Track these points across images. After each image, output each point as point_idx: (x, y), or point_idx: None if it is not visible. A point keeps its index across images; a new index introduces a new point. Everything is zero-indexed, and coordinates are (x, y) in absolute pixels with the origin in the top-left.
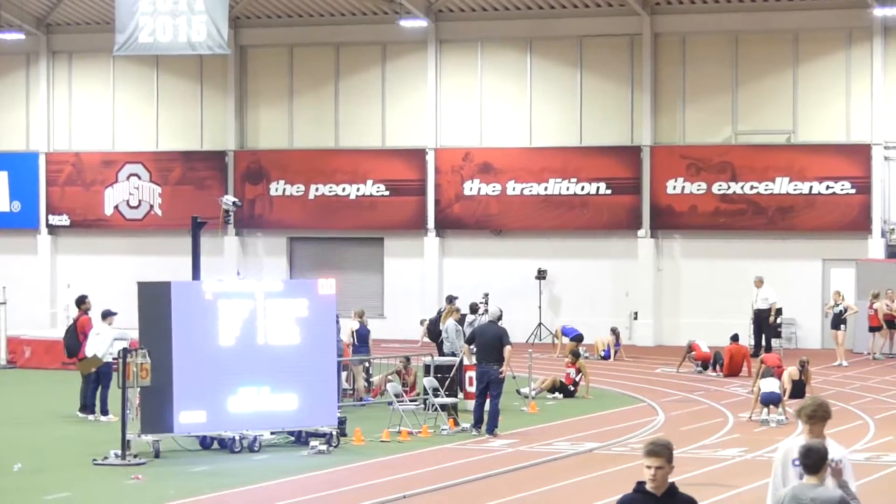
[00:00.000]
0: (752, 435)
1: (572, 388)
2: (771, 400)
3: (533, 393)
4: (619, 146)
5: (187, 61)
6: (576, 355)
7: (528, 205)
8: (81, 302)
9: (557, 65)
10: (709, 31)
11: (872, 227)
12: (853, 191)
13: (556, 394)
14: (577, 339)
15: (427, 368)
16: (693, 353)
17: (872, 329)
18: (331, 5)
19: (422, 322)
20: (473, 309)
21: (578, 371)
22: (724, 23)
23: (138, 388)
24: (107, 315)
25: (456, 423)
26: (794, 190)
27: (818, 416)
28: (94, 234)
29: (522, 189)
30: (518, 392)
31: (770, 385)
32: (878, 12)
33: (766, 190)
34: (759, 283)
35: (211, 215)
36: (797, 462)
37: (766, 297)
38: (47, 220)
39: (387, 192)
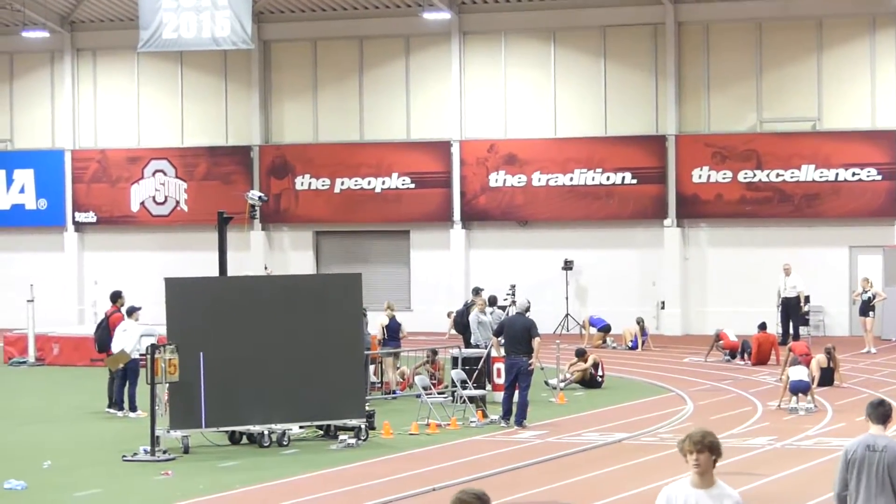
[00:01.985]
0: (782, 423)
1: (599, 379)
2: (800, 388)
3: (562, 385)
4: (644, 135)
5: (211, 57)
6: (580, 355)
7: (553, 195)
8: (117, 297)
9: (581, 55)
10: (732, 18)
11: None
12: (879, 177)
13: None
14: (605, 329)
15: (455, 361)
16: (721, 341)
17: None
18: None
19: (449, 315)
20: (492, 301)
21: (596, 365)
22: (747, 10)
23: (167, 384)
24: (132, 311)
25: (484, 415)
26: (820, 177)
27: (705, 444)
28: (120, 231)
29: (548, 180)
30: (546, 383)
31: (798, 373)
32: None
33: (791, 177)
34: (788, 270)
35: (237, 210)
36: None
37: (794, 284)
38: (74, 217)
39: (412, 185)
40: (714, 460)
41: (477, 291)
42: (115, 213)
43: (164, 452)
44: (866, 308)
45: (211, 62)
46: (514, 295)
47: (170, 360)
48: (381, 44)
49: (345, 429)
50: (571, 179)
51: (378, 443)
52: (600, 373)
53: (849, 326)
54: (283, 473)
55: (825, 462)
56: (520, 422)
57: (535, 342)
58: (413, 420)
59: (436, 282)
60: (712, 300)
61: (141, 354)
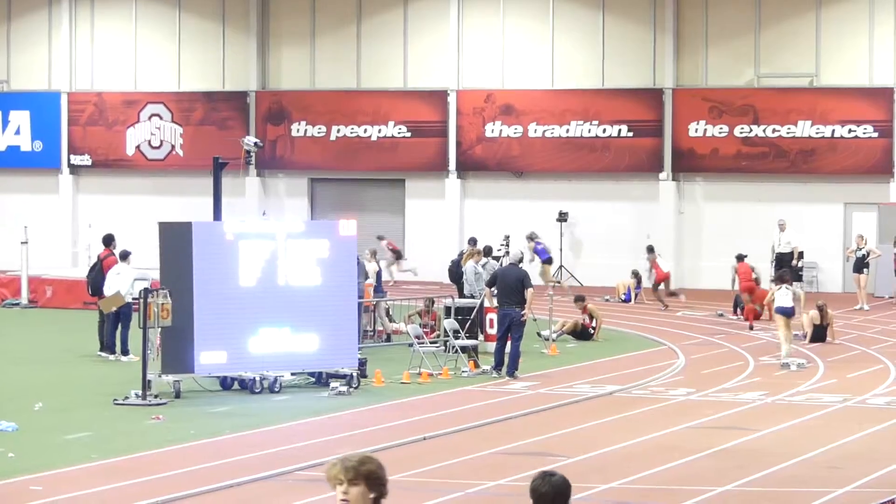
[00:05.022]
0: (773, 379)
1: (591, 332)
2: (786, 313)
3: (554, 336)
4: (641, 88)
5: (209, 1)
6: (580, 300)
7: (549, 147)
8: (110, 240)
9: (580, 6)
10: None
11: (895, 170)
12: (875, 134)
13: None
14: (548, 262)
15: (448, 310)
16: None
17: None
18: None
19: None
20: (487, 252)
21: (591, 316)
22: None
23: (159, 329)
24: (125, 256)
25: (476, 366)
26: (817, 133)
27: (360, 472)
28: (115, 174)
29: (544, 131)
30: (539, 335)
31: (783, 299)
32: None
33: (788, 133)
34: (783, 226)
35: (232, 156)
36: None
37: (788, 240)
38: (69, 159)
39: (408, 134)
40: (374, 499)
41: (473, 242)
42: (110, 157)
43: (156, 397)
44: (860, 265)
45: (209, 7)
46: (508, 246)
47: (162, 304)
48: None
49: (336, 376)
50: (568, 131)
51: (369, 391)
52: (593, 324)
53: (842, 283)
54: (274, 420)
55: (816, 417)
56: (511, 373)
57: (529, 293)
58: (405, 369)
59: (430, 231)
60: (706, 254)
61: (134, 298)
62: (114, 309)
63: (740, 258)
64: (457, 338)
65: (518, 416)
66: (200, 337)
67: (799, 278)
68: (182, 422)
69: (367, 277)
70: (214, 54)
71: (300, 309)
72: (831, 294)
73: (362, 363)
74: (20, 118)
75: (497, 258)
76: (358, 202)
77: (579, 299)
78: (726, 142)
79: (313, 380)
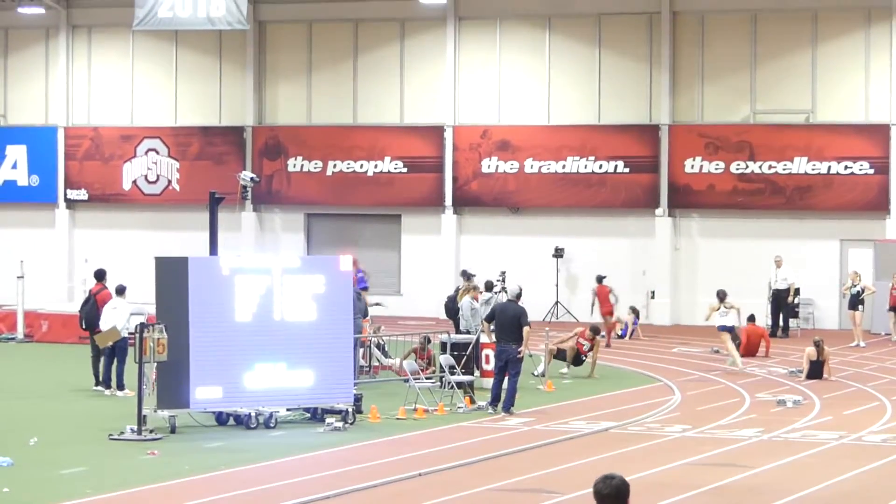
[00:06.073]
0: (769, 415)
1: (584, 358)
2: (727, 330)
3: (543, 371)
4: (637, 124)
5: (206, 36)
6: (596, 332)
7: (545, 183)
8: (103, 275)
9: (576, 42)
10: (728, 9)
11: (891, 207)
12: (871, 171)
13: (565, 369)
14: (364, 290)
15: (444, 346)
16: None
17: (892, 309)
18: None
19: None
20: (488, 286)
21: (591, 347)
22: (742, 1)
23: (155, 363)
24: (121, 290)
25: (472, 401)
26: (813, 170)
27: None
28: (112, 209)
29: (540, 167)
30: (533, 374)
31: (723, 318)
32: None
33: (784, 169)
34: (780, 262)
35: (229, 191)
36: None
37: (785, 276)
38: (65, 194)
39: (405, 169)
40: None
41: (468, 276)
42: (106, 191)
43: (151, 432)
44: (855, 302)
45: (206, 42)
46: (504, 281)
47: (158, 339)
48: (376, 27)
49: (332, 412)
50: (564, 167)
51: (365, 427)
52: (587, 348)
53: (838, 320)
54: (269, 455)
55: (812, 455)
56: (507, 408)
57: (525, 331)
58: (400, 405)
59: (426, 267)
60: (702, 290)
61: (130, 333)
62: (109, 343)
63: (599, 280)
64: (453, 373)
65: (514, 452)
66: (196, 372)
67: (795, 314)
68: (177, 457)
69: (365, 315)
70: (211, 89)
71: (296, 344)
72: (827, 331)
73: (358, 399)
74: (17, 152)
75: (495, 292)
76: (354, 237)
77: (595, 331)
78: (722, 178)
79: (309, 415)
